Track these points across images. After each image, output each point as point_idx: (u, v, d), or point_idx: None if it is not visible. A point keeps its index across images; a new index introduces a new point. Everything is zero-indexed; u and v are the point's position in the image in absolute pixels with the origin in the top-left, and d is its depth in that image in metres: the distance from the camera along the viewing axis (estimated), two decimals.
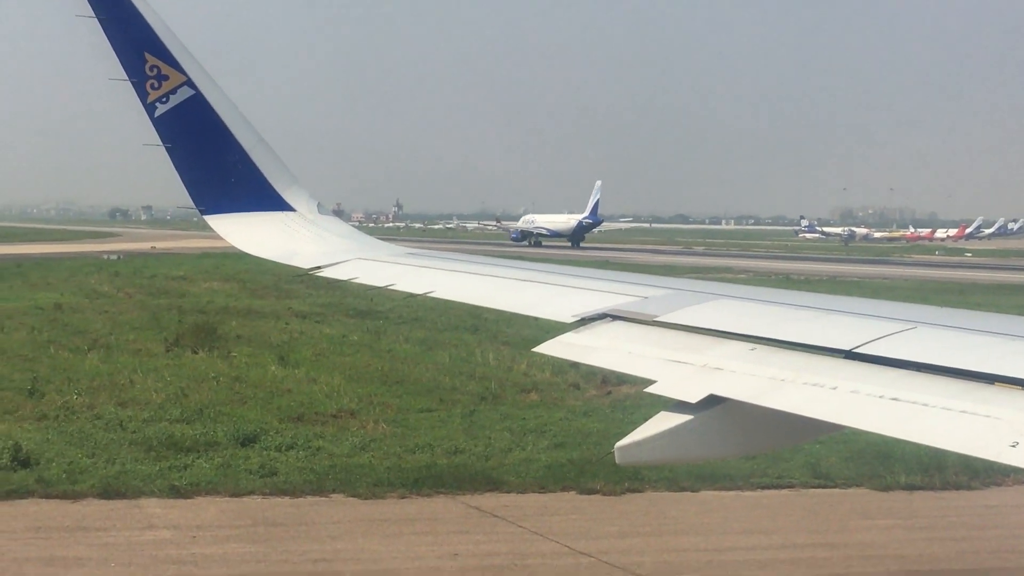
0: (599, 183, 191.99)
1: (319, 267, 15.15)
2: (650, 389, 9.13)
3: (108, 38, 14.66)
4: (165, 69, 14.80)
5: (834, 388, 8.25)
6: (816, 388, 8.34)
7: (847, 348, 8.79)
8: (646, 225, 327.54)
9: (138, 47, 14.70)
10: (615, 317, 10.73)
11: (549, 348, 10.66)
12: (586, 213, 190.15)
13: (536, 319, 11.57)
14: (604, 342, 10.34)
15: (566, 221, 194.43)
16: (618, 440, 26.73)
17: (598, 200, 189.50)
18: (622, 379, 40.33)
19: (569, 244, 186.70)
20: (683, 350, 9.63)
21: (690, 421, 8.81)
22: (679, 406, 8.90)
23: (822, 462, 28.64)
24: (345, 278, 14.60)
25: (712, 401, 8.81)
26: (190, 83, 14.94)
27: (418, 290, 13.75)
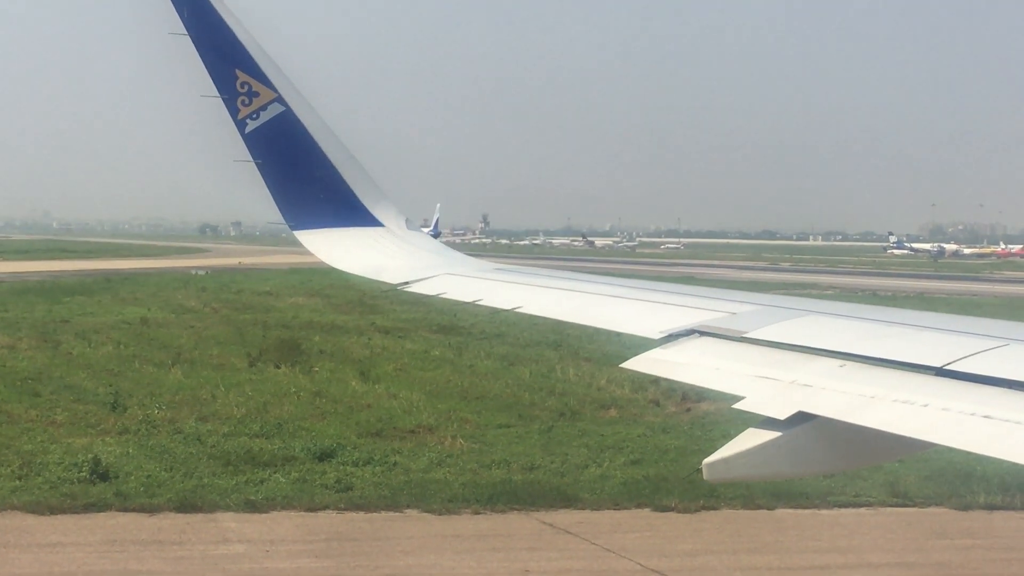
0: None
1: (407, 282, 15.09)
2: (738, 405, 8.99)
3: (200, 56, 14.78)
4: (256, 86, 14.89)
5: (925, 405, 8.08)
6: (906, 405, 8.17)
7: (938, 365, 8.60)
8: (675, 245, 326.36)
9: (229, 64, 14.81)
10: (703, 333, 10.59)
11: (636, 364, 10.52)
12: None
13: (622, 335, 11.45)
14: (691, 358, 10.21)
15: None
16: (696, 457, 26.50)
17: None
18: (702, 396, 40.23)
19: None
20: (771, 366, 9.50)
21: (778, 438, 8.68)
22: (767, 423, 8.76)
23: (901, 481, 28.27)
24: (433, 293, 14.52)
25: (801, 418, 8.67)
26: (280, 100, 15.01)
27: (505, 305, 13.65)
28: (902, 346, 9.31)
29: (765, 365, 9.57)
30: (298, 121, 15.16)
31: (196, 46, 14.70)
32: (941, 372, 8.53)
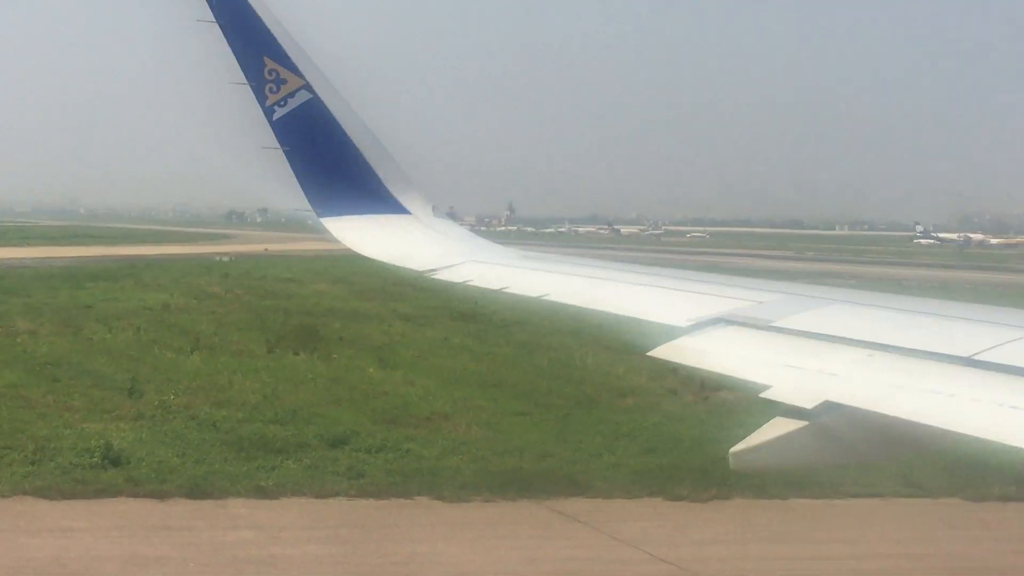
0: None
1: (433, 270, 15.07)
2: (765, 394, 8.92)
3: (228, 43, 14.79)
4: (283, 73, 14.91)
5: (952, 395, 8.03)
6: (934, 395, 8.12)
7: (966, 355, 8.55)
8: (700, 234, 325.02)
9: (257, 51, 14.84)
10: (729, 322, 10.57)
11: (663, 352, 10.46)
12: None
13: (648, 323, 11.39)
14: (718, 347, 10.18)
15: None
16: (711, 446, 26.44)
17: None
18: (720, 385, 39.94)
19: None
20: (798, 355, 9.48)
21: (805, 427, 8.66)
22: (794, 412, 8.73)
23: (915, 471, 28.06)
24: (459, 281, 14.48)
25: (828, 407, 8.62)
26: (308, 87, 15.02)
27: (532, 293, 13.56)
28: (930, 336, 9.29)
29: (792, 354, 9.57)
30: (325, 108, 15.18)
31: (224, 33, 14.73)
32: (969, 362, 8.48)
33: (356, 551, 22.46)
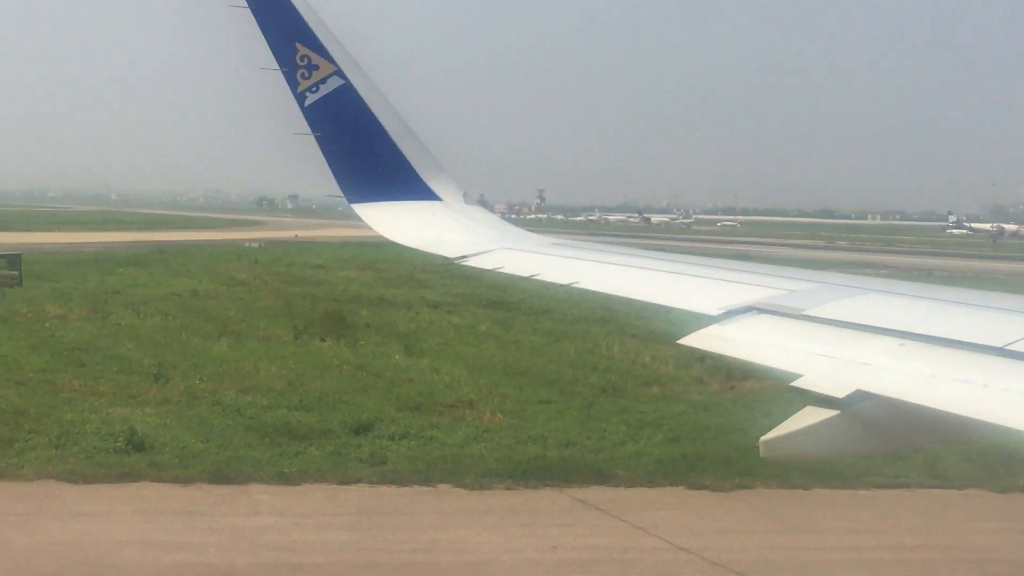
0: None
1: (464, 256, 15.03)
2: (796, 383, 8.88)
3: (260, 28, 14.83)
4: (315, 59, 14.93)
5: (985, 385, 7.95)
6: (967, 385, 8.04)
7: (1000, 344, 8.47)
8: (731, 223, 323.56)
9: (289, 37, 14.86)
10: (761, 310, 10.51)
11: (694, 340, 10.42)
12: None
13: (678, 311, 11.36)
14: (750, 335, 10.12)
15: None
16: (735, 436, 26.41)
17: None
18: (747, 374, 39.94)
19: None
20: (830, 344, 9.40)
21: (836, 416, 8.66)
22: (825, 401, 8.72)
23: (940, 462, 27.95)
24: (490, 268, 14.45)
25: (860, 397, 8.60)
26: (339, 73, 15.03)
27: (562, 280, 13.54)
28: (963, 325, 9.21)
29: (824, 343, 9.51)
30: (357, 94, 15.18)
31: (256, 18, 14.76)
32: (1003, 352, 8.40)
33: (376, 537, 22.46)
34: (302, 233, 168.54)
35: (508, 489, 26.31)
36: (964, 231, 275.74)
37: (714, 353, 10.36)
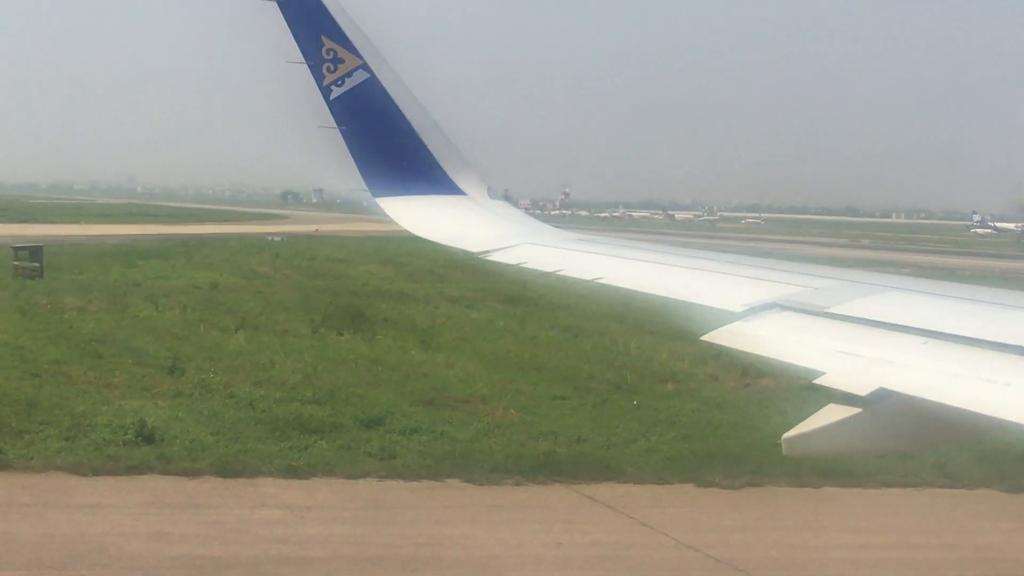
0: None
1: (487, 251, 14.95)
2: (818, 381, 8.78)
3: (287, 22, 14.83)
4: (341, 52, 14.91)
5: (1008, 384, 7.83)
6: (991, 384, 7.92)
7: (1023, 344, 8.38)
8: (755, 220, 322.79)
9: (315, 31, 14.84)
10: (784, 307, 10.45)
11: (717, 337, 10.34)
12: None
13: (701, 307, 11.31)
14: (773, 332, 10.07)
15: None
16: (748, 433, 26.26)
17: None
18: (762, 372, 39.82)
19: None
20: (853, 342, 9.34)
21: (859, 414, 8.52)
22: (847, 399, 8.59)
23: (951, 462, 27.79)
24: (514, 263, 14.38)
25: (882, 395, 8.49)
26: (365, 67, 15.01)
27: (586, 276, 13.45)
28: (986, 324, 9.15)
29: (847, 340, 9.45)
30: (383, 88, 15.16)
31: (283, 12, 14.77)
32: None
33: (380, 532, 22.45)
34: (324, 227, 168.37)
35: (516, 485, 26.30)
36: (989, 230, 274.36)
37: (737, 350, 10.29)
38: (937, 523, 24.46)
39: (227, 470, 26.31)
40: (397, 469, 26.98)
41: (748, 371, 39.89)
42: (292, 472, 26.43)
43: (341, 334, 47.88)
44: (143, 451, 27.28)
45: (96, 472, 25.83)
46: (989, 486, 27.07)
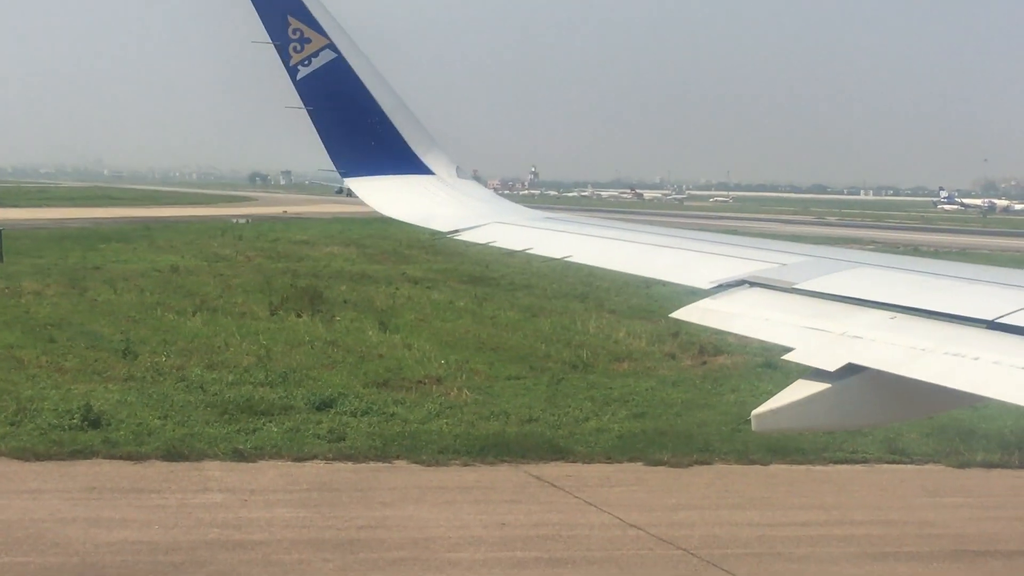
0: None
1: (456, 230, 15.01)
2: (787, 356, 8.88)
3: (252, 1, 14.81)
4: (308, 32, 14.89)
5: (976, 359, 7.94)
6: (957, 358, 8.03)
7: (990, 318, 8.50)
8: (723, 198, 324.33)
9: (281, 10, 14.83)
10: (752, 284, 10.53)
11: (686, 314, 10.39)
12: None
13: (669, 284, 11.32)
14: (741, 309, 10.12)
15: None
16: (701, 411, 26.23)
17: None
18: (719, 349, 39.95)
19: None
20: (821, 318, 9.41)
21: (828, 390, 8.56)
22: (817, 374, 8.65)
23: (900, 437, 27.88)
24: (482, 242, 14.42)
25: (850, 370, 8.55)
26: (332, 46, 15.01)
27: (555, 254, 13.57)
28: (953, 299, 9.24)
29: (815, 316, 9.52)
30: (350, 68, 15.17)
31: None
32: (992, 325, 8.44)
33: (324, 514, 22.27)
34: (292, 208, 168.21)
35: (464, 465, 26.20)
36: (955, 206, 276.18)
37: (705, 327, 10.29)
38: (882, 499, 24.41)
39: (173, 454, 26.09)
40: (345, 451, 26.82)
41: (705, 349, 40.01)
42: (238, 455, 26.24)
43: (299, 316, 47.76)
44: (88, 435, 27.05)
45: (39, 457, 25.59)
46: (937, 461, 27.13)
